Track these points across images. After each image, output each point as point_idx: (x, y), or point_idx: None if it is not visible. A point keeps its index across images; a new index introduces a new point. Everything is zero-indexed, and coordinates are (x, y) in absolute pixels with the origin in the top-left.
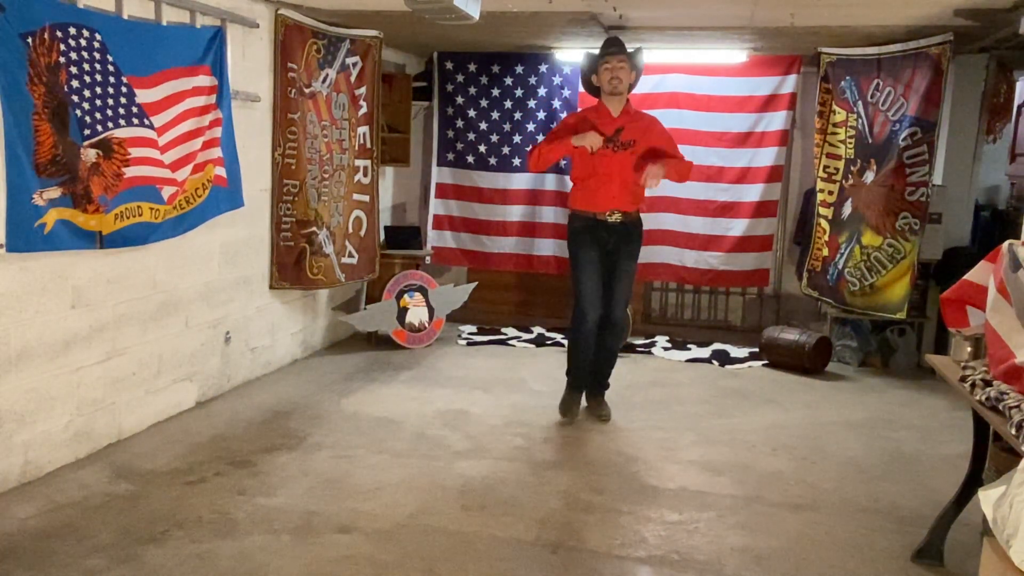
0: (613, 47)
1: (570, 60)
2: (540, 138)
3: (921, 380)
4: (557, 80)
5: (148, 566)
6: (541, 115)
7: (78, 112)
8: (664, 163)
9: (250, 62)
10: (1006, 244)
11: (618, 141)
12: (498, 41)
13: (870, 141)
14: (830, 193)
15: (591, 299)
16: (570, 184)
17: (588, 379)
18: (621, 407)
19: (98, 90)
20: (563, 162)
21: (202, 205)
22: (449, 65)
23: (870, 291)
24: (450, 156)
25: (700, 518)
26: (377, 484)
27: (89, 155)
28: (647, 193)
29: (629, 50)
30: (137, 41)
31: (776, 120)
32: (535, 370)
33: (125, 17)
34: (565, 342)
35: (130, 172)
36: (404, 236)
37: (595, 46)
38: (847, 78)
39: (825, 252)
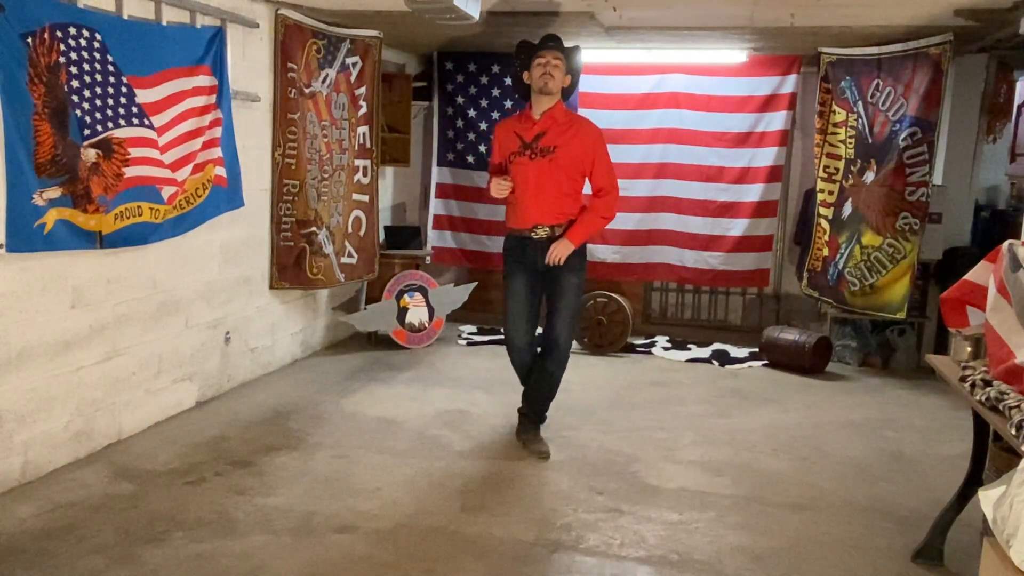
0: (551, 41)
1: None
2: None
3: (921, 380)
4: None
5: (148, 566)
6: None
7: (78, 112)
8: (566, 236)
9: (250, 62)
10: (1006, 244)
11: (536, 147)
12: (498, 41)
13: (870, 141)
14: (830, 193)
15: (515, 334)
16: None
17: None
18: (621, 407)
19: (98, 90)
20: None
21: (202, 205)
22: (449, 65)
23: (870, 291)
24: (450, 156)
25: (700, 518)
26: (377, 484)
27: (89, 155)
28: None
29: (569, 48)
30: (137, 41)
31: (776, 120)
32: None
33: (125, 17)
34: None
35: (130, 172)
36: (404, 236)
37: (595, 46)
38: (847, 78)
39: (825, 252)
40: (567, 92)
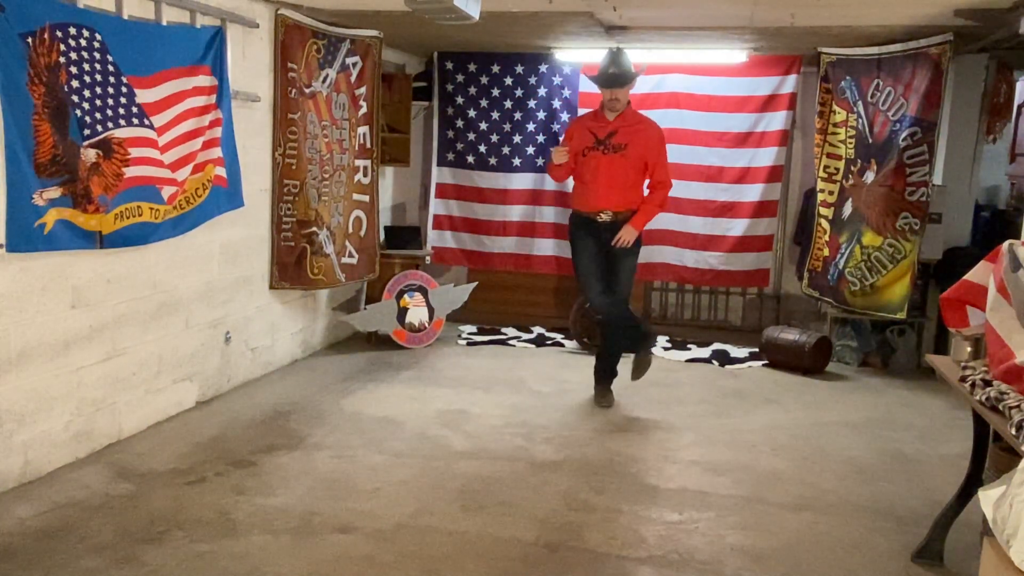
0: (614, 70)
1: (570, 60)
2: (540, 138)
3: (921, 380)
4: (557, 80)
5: (148, 566)
6: (541, 115)
7: (78, 112)
8: (631, 223)
9: (250, 62)
10: (1006, 244)
11: (609, 144)
12: (498, 41)
13: (870, 141)
14: (830, 193)
15: (591, 282)
16: (571, 184)
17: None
18: (621, 407)
19: (98, 90)
20: None
21: (202, 205)
22: (449, 65)
23: (870, 291)
24: (450, 156)
25: (700, 518)
26: (377, 484)
27: (89, 155)
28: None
29: (632, 74)
30: (137, 41)
31: (776, 120)
32: (535, 370)
33: (125, 17)
34: (566, 342)
35: (130, 172)
36: (404, 236)
37: (595, 46)
38: (847, 78)
39: (826, 252)
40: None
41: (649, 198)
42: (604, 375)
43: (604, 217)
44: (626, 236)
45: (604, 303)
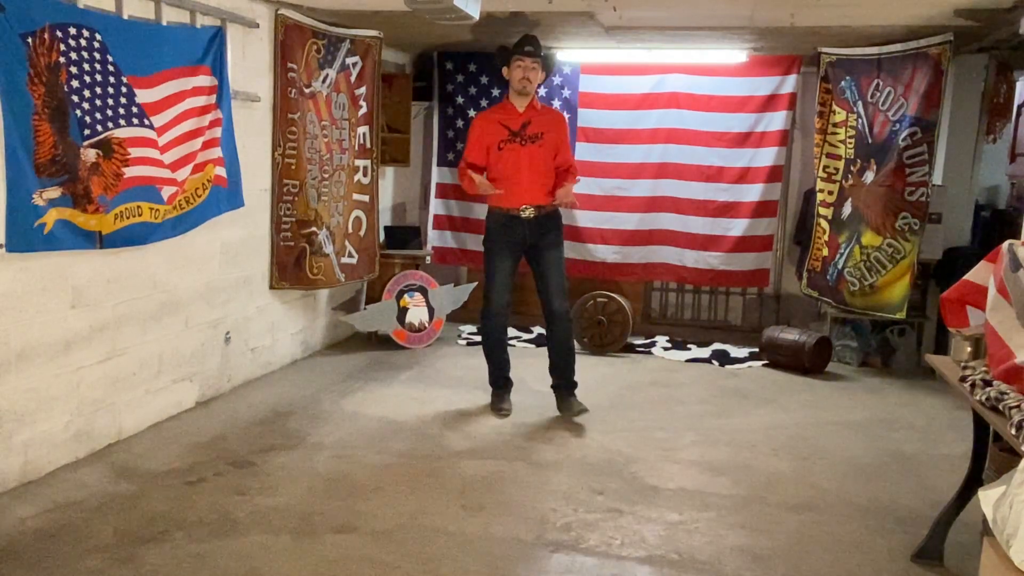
0: (530, 47)
1: (570, 60)
2: None
3: (921, 380)
4: (557, 80)
5: (148, 566)
6: None
7: (78, 112)
8: (567, 184)
9: (250, 62)
10: (1006, 244)
11: (525, 135)
12: (498, 41)
13: (870, 141)
14: (830, 193)
15: (498, 301)
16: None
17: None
18: (621, 407)
19: (98, 90)
20: None
21: (202, 205)
22: (449, 65)
23: (870, 291)
24: (450, 156)
25: (700, 518)
26: (377, 484)
27: (89, 155)
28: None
29: (544, 52)
30: (137, 41)
31: (776, 120)
32: (535, 370)
33: (125, 17)
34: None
35: (130, 172)
36: (404, 236)
37: (595, 46)
38: (847, 78)
39: (825, 252)
40: (538, 86)
41: (568, 175)
42: (563, 386)
43: (527, 213)
44: (569, 196)
45: (503, 317)
